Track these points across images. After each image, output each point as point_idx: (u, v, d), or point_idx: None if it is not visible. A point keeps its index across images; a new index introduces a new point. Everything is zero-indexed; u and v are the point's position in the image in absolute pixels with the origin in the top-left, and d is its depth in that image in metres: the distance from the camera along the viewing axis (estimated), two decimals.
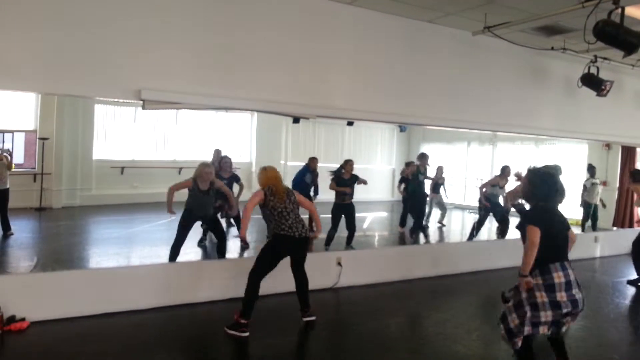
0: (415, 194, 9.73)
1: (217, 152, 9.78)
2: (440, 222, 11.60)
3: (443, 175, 11.34)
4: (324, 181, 8.64)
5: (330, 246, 7.84)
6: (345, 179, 8.04)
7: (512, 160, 10.39)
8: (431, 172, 10.66)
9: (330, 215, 7.99)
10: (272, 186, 5.03)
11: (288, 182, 7.64)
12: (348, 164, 8.12)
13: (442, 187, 11.34)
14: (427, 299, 6.35)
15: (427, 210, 11.31)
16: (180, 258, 7.51)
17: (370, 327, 5.22)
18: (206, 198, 6.44)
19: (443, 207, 11.54)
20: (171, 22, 5.25)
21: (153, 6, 5.17)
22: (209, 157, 13.31)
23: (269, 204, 4.95)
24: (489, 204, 9.18)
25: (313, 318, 5.12)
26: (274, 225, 4.97)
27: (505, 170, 9.32)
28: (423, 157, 10.06)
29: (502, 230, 9.26)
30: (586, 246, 9.02)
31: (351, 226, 8.09)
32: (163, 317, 5.18)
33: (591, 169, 10.52)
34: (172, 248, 6.35)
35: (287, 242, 4.96)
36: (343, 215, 8.06)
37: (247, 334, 4.70)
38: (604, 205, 10.39)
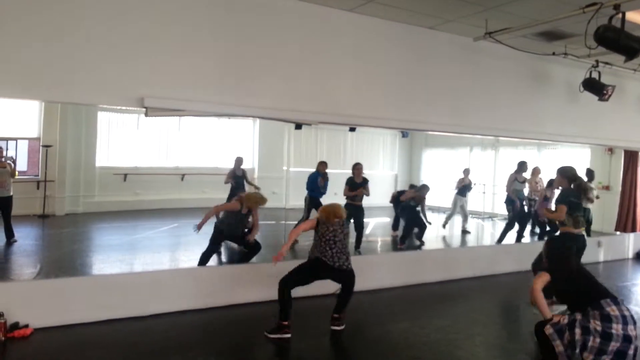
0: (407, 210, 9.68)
1: (240, 159, 10.17)
2: (464, 229, 11.47)
3: (469, 178, 11.30)
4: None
5: None
6: (357, 182, 8.28)
7: (515, 165, 10.38)
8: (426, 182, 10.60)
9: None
10: (325, 217, 5.19)
11: (294, 188, 7.76)
12: (356, 167, 8.30)
13: (468, 191, 11.30)
14: (429, 305, 6.34)
15: (448, 213, 11.40)
16: (183, 264, 7.54)
17: (372, 333, 5.22)
18: (242, 218, 6.66)
19: (464, 213, 11.43)
20: (174, 30, 5.29)
21: (156, 14, 5.21)
22: (211, 164, 13.44)
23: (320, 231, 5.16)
24: (513, 205, 9.46)
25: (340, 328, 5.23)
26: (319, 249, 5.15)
27: (522, 166, 9.66)
28: (423, 188, 9.74)
29: (521, 233, 9.42)
30: (589, 251, 8.95)
31: (359, 228, 8.34)
32: (166, 324, 5.18)
33: (589, 173, 10.48)
34: (203, 255, 6.53)
35: (325, 268, 5.13)
36: (352, 218, 8.19)
37: (289, 335, 4.91)
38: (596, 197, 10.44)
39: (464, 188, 11.25)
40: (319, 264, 5.12)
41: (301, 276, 5.15)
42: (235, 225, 6.64)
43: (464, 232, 11.33)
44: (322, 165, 9.17)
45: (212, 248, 6.62)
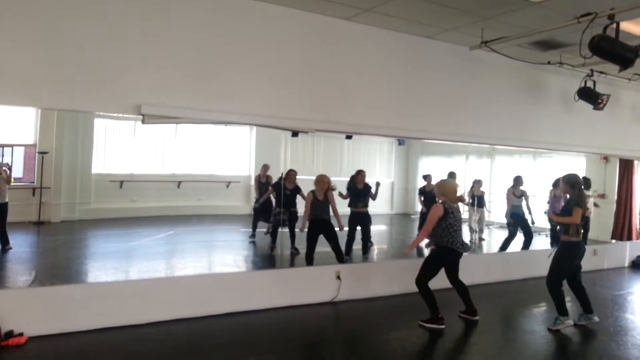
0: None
1: (266, 166, 10.20)
2: (480, 237, 11.44)
3: (482, 189, 11.26)
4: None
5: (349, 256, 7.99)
6: (359, 188, 8.20)
7: (510, 173, 10.41)
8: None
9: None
10: (450, 201, 5.60)
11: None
12: (360, 174, 8.26)
13: (482, 201, 11.25)
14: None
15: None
16: (179, 272, 7.51)
17: (369, 341, 5.21)
18: (322, 204, 7.14)
19: (480, 222, 11.32)
20: (170, 37, 5.30)
21: (152, 22, 5.22)
22: (208, 171, 13.44)
23: (449, 219, 5.54)
24: (514, 219, 9.44)
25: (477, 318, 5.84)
26: (447, 239, 5.56)
27: (517, 181, 9.60)
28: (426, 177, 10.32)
29: (526, 244, 9.37)
30: (585, 259, 8.98)
31: (366, 236, 8.34)
32: (163, 332, 5.16)
33: (586, 181, 10.53)
34: (306, 257, 7.09)
35: (456, 256, 5.68)
36: (358, 225, 8.24)
37: (443, 326, 5.49)
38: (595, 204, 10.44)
39: (478, 199, 11.21)
40: (455, 254, 5.63)
41: (434, 270, 5.67)
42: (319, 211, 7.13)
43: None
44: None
45: (310, 244, 7.08)
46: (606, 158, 11.54)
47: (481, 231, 11.46)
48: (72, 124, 11.98)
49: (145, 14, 5.19)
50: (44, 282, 6.53)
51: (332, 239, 7.16)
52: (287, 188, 8.59)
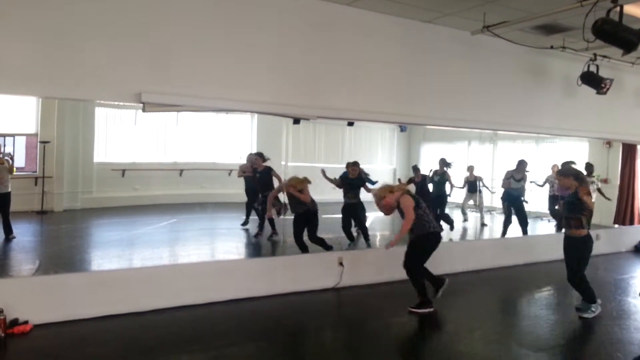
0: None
1: (252, 156, 9.94)
2: (482, 222, 11.70)
3: (474, 174, 11.35)
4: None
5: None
6: (351, 178, 8.16)
7: (512, 159, 10.40)
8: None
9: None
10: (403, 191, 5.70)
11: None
12: (351, 167, 8.23)
13: (478, 186, 11.37)
14: None
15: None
16: (182, 259, 7.54)
17: (372, 327, 5.24)
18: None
19: (480, 207, 11.61)
20: (170, 25, 5.27)
21: (152, 10, 5.19)
22: (209, 159, 13.43)
23: (420, 207, 5.58)
24: (509, 201, 9.47)
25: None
26: (423, 224, 5.54)
27: (521, 164, 9.58)
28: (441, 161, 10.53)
29: (522, 228, 9.38)
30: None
31: (360, 225, 8.38)
32: (166, 319, 5.19)
33: (589, 167, 10.50)
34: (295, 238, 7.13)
35: (438, 238, 5.67)
36: (351, 215, 8.26)
37: (432, 308, 5.54)
38: (607, 198, 10.39)
39: (470, 185, 11.35)
40: (437, 237, 5.65)
41: (427, 255, 5.69)
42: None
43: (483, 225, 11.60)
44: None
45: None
46: (609, 143, 11.50)
47: (482, 217, 11.57)
48: (73, 113, 11.97)
49: (145, 1, 5.15)
50: (48, 271, 6.56)
51: (311, 229, 7.09)
52: (257, 171, 8.62)
